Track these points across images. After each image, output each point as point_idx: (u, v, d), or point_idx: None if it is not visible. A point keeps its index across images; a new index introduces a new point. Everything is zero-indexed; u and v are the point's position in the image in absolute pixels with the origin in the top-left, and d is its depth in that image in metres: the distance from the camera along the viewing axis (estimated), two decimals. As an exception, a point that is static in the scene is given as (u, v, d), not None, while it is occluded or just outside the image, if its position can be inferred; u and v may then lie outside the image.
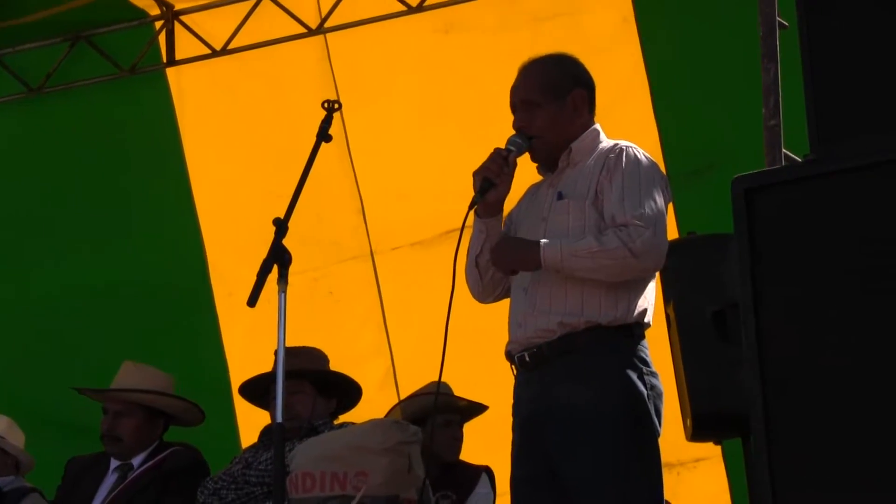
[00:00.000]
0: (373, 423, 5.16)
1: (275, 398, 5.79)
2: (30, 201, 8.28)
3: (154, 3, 8.04)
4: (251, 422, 7.62)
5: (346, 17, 7.85)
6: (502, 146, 4.78)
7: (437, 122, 7.84)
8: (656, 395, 4.61)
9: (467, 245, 4.82)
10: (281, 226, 4.51)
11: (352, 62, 7.94)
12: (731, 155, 7.03)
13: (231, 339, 8.16)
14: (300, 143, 8.06)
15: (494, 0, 7.64)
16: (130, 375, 6.15)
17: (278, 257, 4.45)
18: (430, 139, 7.84)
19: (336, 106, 4.72)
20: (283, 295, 4.45)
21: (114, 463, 6.15)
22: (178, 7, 8.10)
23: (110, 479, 6.08)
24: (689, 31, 7.33)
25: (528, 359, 4.60)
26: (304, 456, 5.03)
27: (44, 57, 8.25)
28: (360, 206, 8.02)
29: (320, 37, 7.93)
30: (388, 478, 4.88)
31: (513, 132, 4.81)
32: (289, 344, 6.16)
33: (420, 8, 7.73)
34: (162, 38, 8.13)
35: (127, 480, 6.03)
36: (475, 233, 4.80)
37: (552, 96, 4.76)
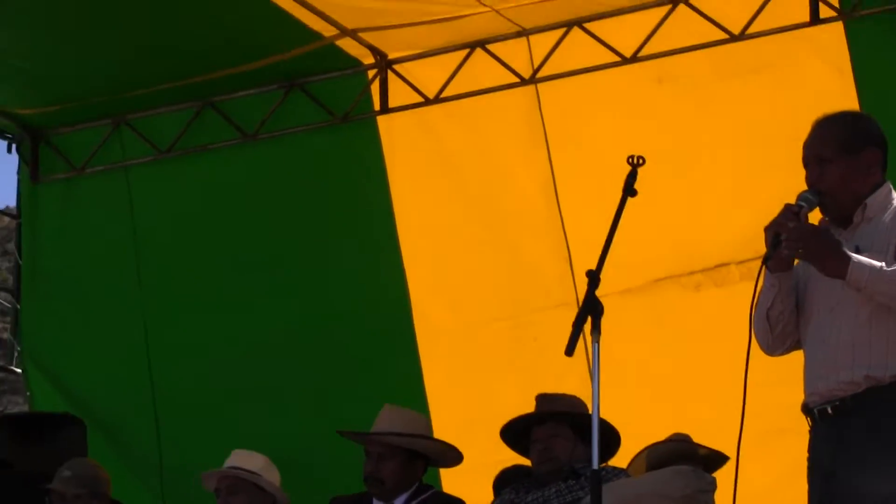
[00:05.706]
0: (673, 471, 5.21)
1: (548, 443, 5.92)
2: (244, 245, 8.41)
3: (368, 52, 8.15)
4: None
5: (559, 68, 7.92)
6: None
7: (646, 171, 7.84)
8: (957, 449, 4.63)
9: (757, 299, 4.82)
10: (594, 277, 4.57)
11: (562, 112, 7.99)
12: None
13: (433, 383, 8.22)
14: (507, 192, 8.21)
15: (708, 51, 7.67)
16: (391, 418, 6.23)
17: (592, 308, 4.50)
18: (640, 188, 7.85)
19: (640, 161, 4.76)
20: (596, 345, 4.55)
21: (376, 503, 6.24)
22: (391, 56, 8.20)
23: (374, 519, 6.17)
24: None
25: (829, 411, 4.62)
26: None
27: (258, 103, 8.38)
28: (566, 254, 8.05)
29: (531, 86, 8.00)
30: (686, 524, 4.93)
31: (800, 187, 4.81)
32: (546, 390, 6.32)
33: (634, 59, 7.79)
34: (375, 87, 8.24)
35: (391, 522, 6.11)
36: (766, 286, 4.81)
37: (844, 153, 4.76)
